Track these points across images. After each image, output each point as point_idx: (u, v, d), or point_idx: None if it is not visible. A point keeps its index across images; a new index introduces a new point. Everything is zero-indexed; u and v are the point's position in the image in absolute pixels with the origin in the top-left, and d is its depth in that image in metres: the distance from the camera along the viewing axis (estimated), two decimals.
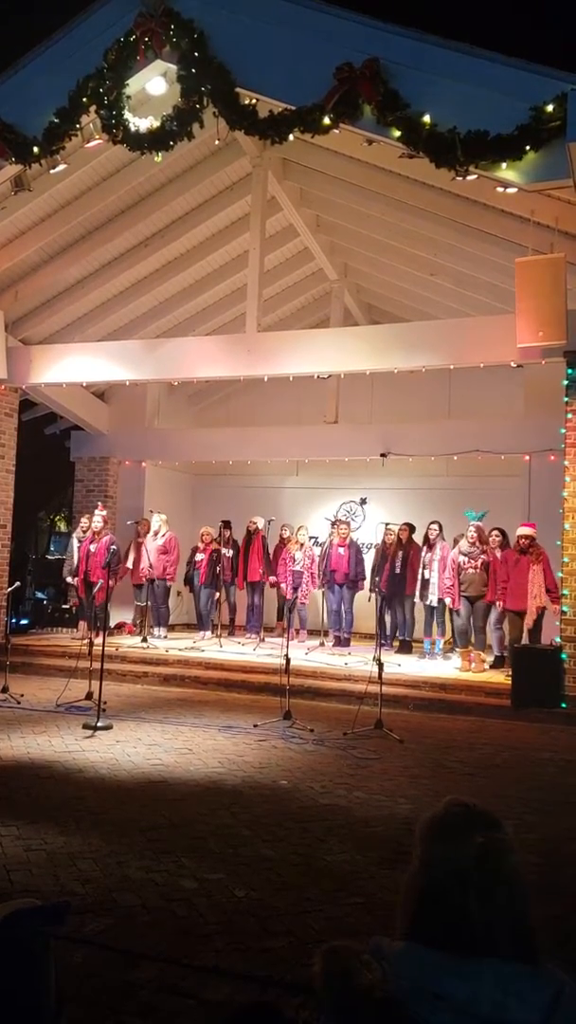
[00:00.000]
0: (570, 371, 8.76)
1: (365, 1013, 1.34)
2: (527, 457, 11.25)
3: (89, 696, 8.12)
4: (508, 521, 10.42)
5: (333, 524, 11.95)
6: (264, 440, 13.08)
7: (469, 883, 1.39)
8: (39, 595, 16.61)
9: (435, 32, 7.35)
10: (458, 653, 10.43)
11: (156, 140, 8.16)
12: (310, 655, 10.71)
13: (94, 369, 11.07)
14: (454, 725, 8.15)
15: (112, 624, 12.02)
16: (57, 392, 12.27)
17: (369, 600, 11.32)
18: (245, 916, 3.62)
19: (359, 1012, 1.35)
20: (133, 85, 8.33)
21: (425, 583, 10.95)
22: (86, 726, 7.25)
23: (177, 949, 3.30)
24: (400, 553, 11.46)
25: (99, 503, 12.45)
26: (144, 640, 11.38)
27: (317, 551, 12.16)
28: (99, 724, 7.23)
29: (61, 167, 8.81)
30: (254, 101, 7.87)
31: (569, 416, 8.78)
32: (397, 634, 11.77)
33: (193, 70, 7.92)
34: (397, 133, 7.23)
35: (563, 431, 8.87)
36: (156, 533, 12.00)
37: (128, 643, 11.36)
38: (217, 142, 8.80)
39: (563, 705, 8.42)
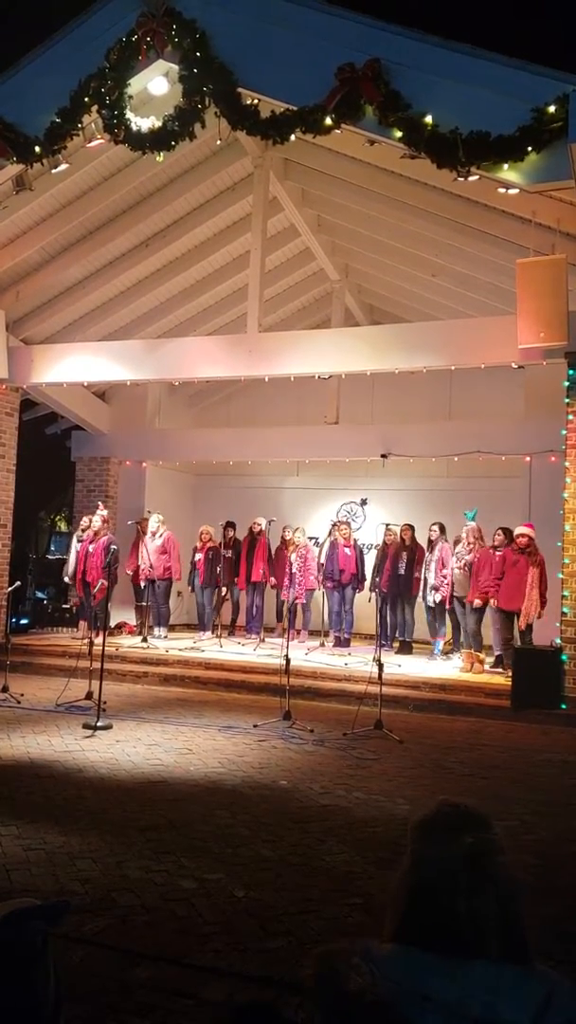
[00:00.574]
0: (571, 372, 8.76)
1: (356, 1016, 1.34)
2: (528, 458, 11.24)
3: (89, 696, 8.12)
4: (508, 522, 10.41)
5: (334, 525, 11.95)
6: (265, 440, 13.07)
7: (458, 884, 1.39)
8: (39, 595, 16.62)
9: (437, 33, 7.35)
10: (460, 654, 10.43)
11: (157, 140, 8.16)
12: (310, 655, 10.70)
13: (95, 369, 11.07)
14: (454, 726, 8.15)
15: (112, 624, 12.02)
16: (58, 392, 12.28)
17: (369, 600, 11.32)
18: (244, 916, 3.62)
19: (350, 1016, 1.35)
20: (135, 85, 8.33)
21: (425, 584, 10.96)
22: (86, 726, 7.25)
23: (176, 949, 3.30)
24: (404, 554, 11.46)
25: (100, 503, 12.45)
26: (144, 640, 11.38)
27: (316, 551, 12.14)
28: (99, 724, 7.23)
29: (62, 167, 8.81)
30: (256, 101, 7.87)
31: (570, 417, 8.78)
32: (397, 634, 11.77)
33: (195, 70, 7.93)
34: (399, 134, 7.23)
35: (564, 432, 8.87)
36: (154, 533, 12.00)
37: (128, 643, 11.36)
38: (218, 142, 8.80)
39: (563, 706, 8.42)
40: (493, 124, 6.94)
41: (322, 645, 11.66)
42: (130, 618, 12.89)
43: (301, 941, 3.38)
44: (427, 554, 11.04)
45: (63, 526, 24.26)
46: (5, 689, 8.60)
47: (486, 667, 10.14)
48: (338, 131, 7.59)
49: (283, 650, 8.16)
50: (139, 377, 11.14)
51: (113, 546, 9.88)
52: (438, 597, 10.76)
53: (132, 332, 12.41)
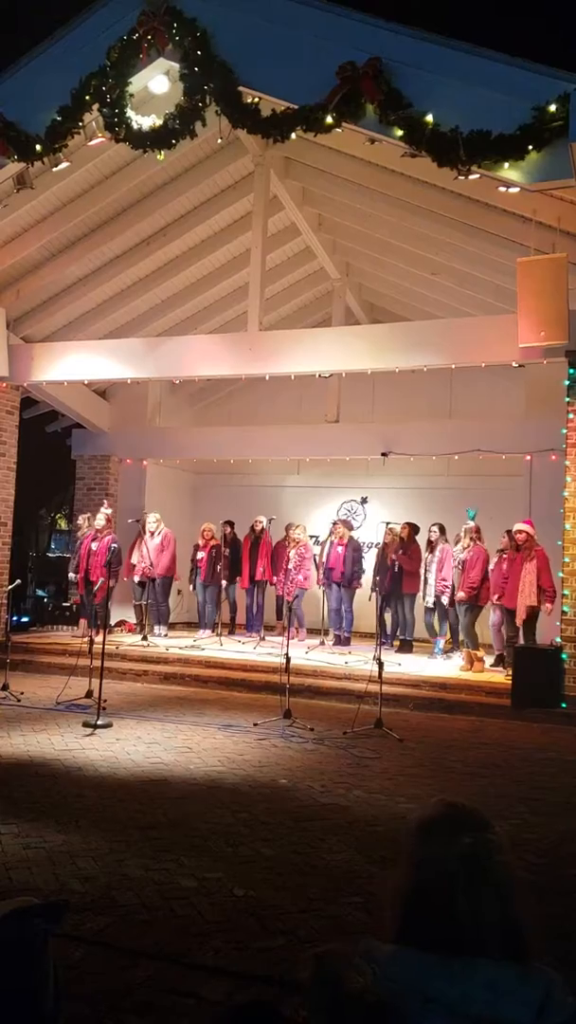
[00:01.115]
0: (572, 371, 8.75)
1: (356, 1018, 1.34)
2: (528, 457, 11.24)
3: (89, 694, 8.12)
4: (509, 521, 10.41)
5: (334, 524, 11.97)
6: (265, 439, 13.07)
7: (457, 884, 1.39)
8: (40, 593, 16.62)
9: (438, 31, 7.35)
10: (461, 653, 10.43)
11: (158, 138, 8.16)
12: (310, 654, 10.71)
13: (95, 367, 11.08)
14: (454, 725, 8.16)
15: (112, 622, 12.02)
16: (58, 390, 12.28)
17: (370, 599, 11.33)
18: (244, 915, 3.63)
19: (350, 1016, 1.35)
20: (136, 83, 8.32)
21: (426, 583, 10.96)
22: (86, 724, 7.25)
23: (176, 948, 3.30)
24: (401, 552, 11.46)
25: (105, 501, 12.45)
26: (144, 638, 11.39)
27: (316, 549, 12.14)
28: (99, 722, 7.23)
29: (63, 165, 8.81)
30: (256, 100, 7.86)
31: (570, 416, 8.78)
32: (398, 633, 11.77)
33: (196, 68, 7.92)
34: (399, 132, 7.23)
35: (564, 431, 8.87)
36: (153, 532, 12.00)
37: (128, 641, 11.37)
38: (219, 141, 8.79)
39: (563, 705, 8.42)
40: (494, 123, 6.94)
41: (322, 644, 11.67)
42: (130, 616, 12.90)
43: (301, 940, 3.38)
44: (427, 554, 11.04)
45: (63, 524, 24.27)
46: (5, 687, 8.61)
47: (487, 666, 10.15)
48: (339, 130, 7.58)
49: (283, 648, 8.17)
50: (140, 375, 11.15)
51: (114, 545, 9.88)
52: (443, 598, 10.73)
53: (133, 330, 12.41)
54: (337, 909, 3.72)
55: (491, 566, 10.21)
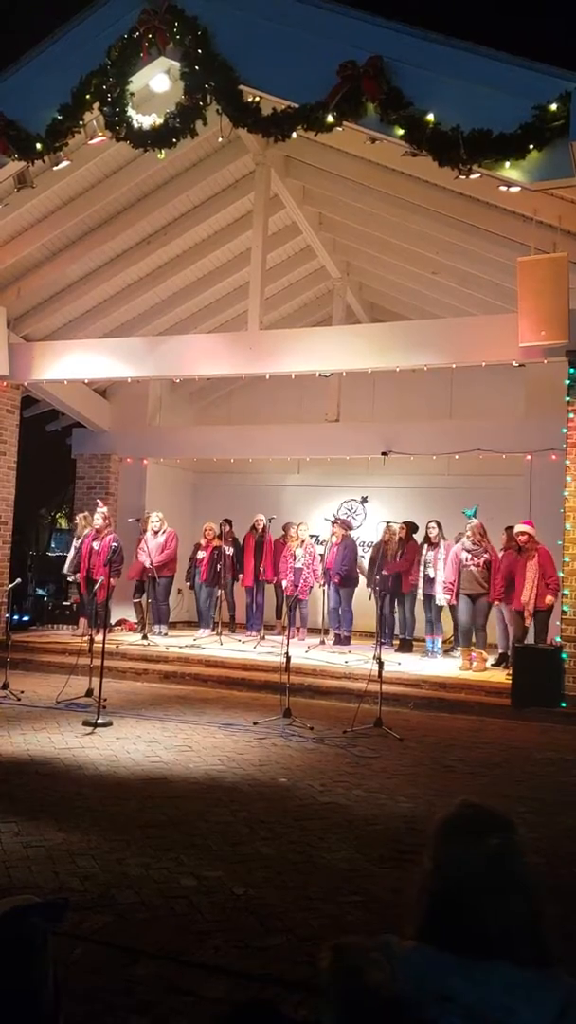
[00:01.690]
0: (572, 370, 8.75)
1: (372, 1011, 1.33)
2: (528, 456, 11.24)
3: (89, 693, 8.13)
4: (509, 521, 10.42)
5: (333, 523, 11.97)
6: (265, 438, 13.07)
7: (483, 886, 1.38)
8: (40, 592, 16.60)
9: (439, 30, 7.34)
10: (460, 652, 10.43)
11: (159, 137, 8.15)
12: (310, 653, 10.71)
13: (96, 366, 11.07)
14: (454, 724, 8.16)
15: (112, 621, 12.02)
16: (59, 389, 12.28)
17: (369, 599, 11.33)
18: (244, 914, 3.63)
19: (366, 1009, 1.34)
20: (136, 82, 8.31)
21: (430, 582, 10.93)
22: (86, 723, 7.25)
23: (175, 946, 3.30)
24: (400, 551, 11.46)
25: (99, 500, 12.44)
26: (144, 637, 11.39)
27: (320, 549, 12.15)
28: (99, 721, 7.24)
29: (64, 164, 8.80)
30: (257, 98, 7.85)
31: (571, 415, 8.78)
32: (397, 632, 11.77)
33: (196, 67, 7.91)
34: (400, 131, 7.22)
35: (565, 431, 8.87)
36: (156, 532, 11.99)
37: (128, 640, 11.37)
38: (220, 139, 8.77)
39: (563, 704, 8.42)
40: (495, 122, 6.93)
41: (322, 643, 11.67)
42: (131, 615, 12.89)
43: (300, 939, 3.39)
44: (428, 551, 11.02)
45: (64, 523, 24.26)
46: (5, 686, 8.61)
47: (488, 664, 10.14)
48: (339, 129, 7.58)
49: (283, 647, 8.17)
50: (140, 374, 11.14)
51: (116, 544, 9.88)
52: (446, 597, 10.68)
53: (133, 329, 12.41)
54: (337, 908, 3.72)
55: None
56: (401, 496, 13.18)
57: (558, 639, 8.82)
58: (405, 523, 11.62)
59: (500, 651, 10.43)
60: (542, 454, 10.84)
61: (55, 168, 8.87)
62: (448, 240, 10.07)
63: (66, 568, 12.37)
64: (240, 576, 12.54)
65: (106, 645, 8.08)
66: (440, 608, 11.00)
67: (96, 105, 8.30)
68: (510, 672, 8.98)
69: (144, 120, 8.19)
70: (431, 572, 10.91)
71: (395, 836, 4.64)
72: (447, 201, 9.16)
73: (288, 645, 8.19)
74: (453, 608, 10.79)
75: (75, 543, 12.03)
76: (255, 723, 7.58)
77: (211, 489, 14.70)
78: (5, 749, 6.41)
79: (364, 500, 12.32)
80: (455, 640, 11.01)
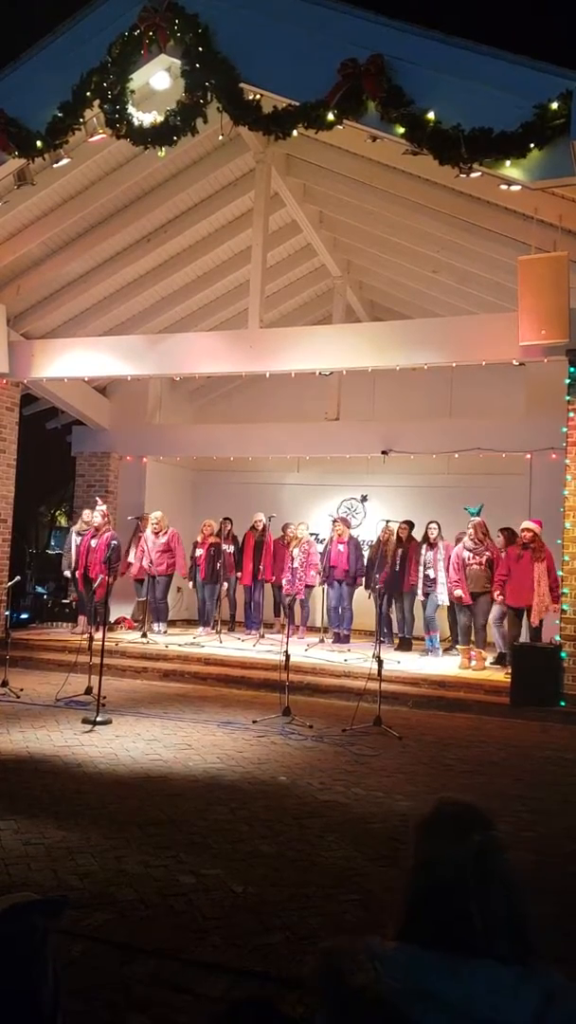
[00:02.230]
0: (572, 369, 8.75)
1: (358, 1013, 1.34)
2: (529, 455, 11.24)
3: (88, 691, 8.13)
4: (509, 520, 10.43)
5: (333, 521, 11.97)
6: (265, 436, 13.07)
7: (467, 883, 1.38)
8: (39, 590, 16.59)
9: (439, 29, 7.32)
10: (459, 650, 10.43)
11: (159, 135, 8.14)
12: (310, 652, 10.71)
13: (96, 364, 11.06)
14: (453, 722, 8.16)
15: (112, 619, 12.03)
16: (59, 387, 12.27)
17: (369, 597, 11.34)
18: (242, 912, 3.63)
19: (353, 1012, 1.35)
20: (137, 80, 8.30)
21: (432, 582, 10.93)
22: (85, 721, 7.26)
23: (174, 944, 3.30)
24: (400, 551, 11.46)
25: (98, 498, 12.44)
26: (144, 635, 11.39)
27: (320, 547, 12.15)
28: (98, 719, 7.24)
29: (64, 161, 8.78)
30: (258, 96, 7.84)
31: (571, 415, 8.78)
32: (396, 631, 11.77)
33: (197, 65, 7.90)
34: (401, 130, 7.21)
35: (564, 430, 8.87)
36: (156, 532, 11.99)
37: (128, 638, 11.37)
38: (220, 137, 8.75)
39: (562, 703, 8.42)
40: (495, 120, 6.92)
41: (321, 641, 11.68)
42: (129, 613, 12.89)
43: (299, 937, 3.39)
44: (428, 551, 11.02)
45: (63, 521, 24.25)
46: (5, 684, 8.61)
47: (487, 663, 10.14)
48: (340, 127, 7.56)
49: (283, 646, 8.17)
50: (140, 372, 11.14)
51: (114, 542, 9.88)
52: (448, 597, 10.68)
53: (133, 327, 12.41)
54: (335, 906, 3.72)
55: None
56: (401, 495, 13.18)
57: (557, 638, 8.82)
58: (406, 522, 11.62)
59: (499, 650, 10.43)
60: (542, 453, 10.84)
61: (55, 165, 8.86)
62: (448, 239, 10.06)
63: (63, 565, 12.38)
64: (238, 575, 12.54)
65: (105, 643, 8.08)
66: (437, 607, 11.00)
67: (96, 102, 8.28)
68: (509, 671, 8.99)
69: (144, 118, 8.18)
70: (430, 572, 10.92)
71: (394, 834, 4.64)
72: (448, 200, 9.15)
73: (287, 643, 8.19)
74: (451, 608, 10.81)
75: (75, 540, 12.00)
76: (254, 721, 7.58)
77: (211, 487, 14.70)
78: (4, 747, 6.42)
79: (364, 499, 12.31)
80: (453, 639, 11.02)
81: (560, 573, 8.83)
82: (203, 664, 10.21)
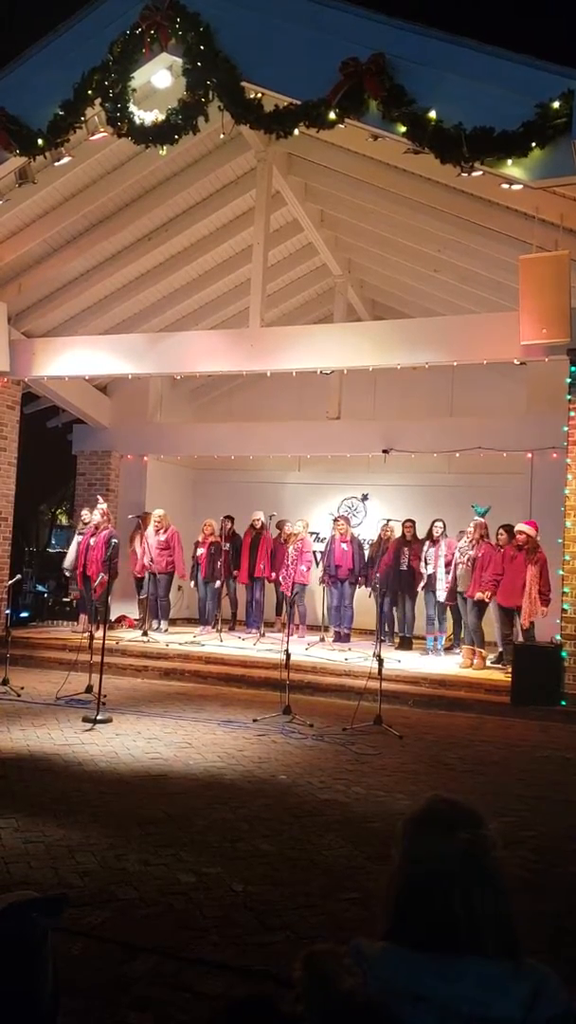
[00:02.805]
0: (573, 369, 8.75)
1: (347, 1017, 1.34)
2: (529, 455, 11.24)
3: (89, 689, 8.13)
4: (510, 519, 10.41)
5: (335, 520, 11.97)
6: (266, 435, 13.07)
7: (454, 881, 1.38)
8: (40, 588, 16.60)
9: (441, 28, 7.32)
10: (462, 649, 10.43)
11: (161, 133, 8.13)
12: (310, 650, 10.72)
13: (97, 363, 11.06)
14: (453, 722, 8.16)
15: (112, 618, 12.03)
16: (59, 385, 12.27)
17: (370, 596, 11.33)
18: (242, 910, 3.63)
19: (341, 1016, 1.34)
20: (138, 78, 8.29)
21: (431, 579, 10.94)
22: (86, 719, 7.26)
23: (174, 942, 3.31)
24: (405, 549, 11.46)
25: (99, 497, 12.44)
26: (144, 634, 11.40)
27: (320, 546, 12.14)
28: (99, 717, 7.24)
29: (65, 160, 8.78)
30: (259, 95, 7.84)
31: (572, 414, 8.78)
32: (397, 630, 11.77)
33: (198, 63, 7.89)
34: (402, 129, 7.20)
35: (565, 429, 8.87)
36: (157, 530, 11.99)
37: (128, 637, 11.38)
38: (222, 136, 8.76)
39: (563, 703, 8.43)
40: (497, 120, 6.92)
41: (322, 640, 11.68)
42: (131, 612, 12.90)
43: (299, 936, 3.39)
44: (430, 548, 11.03)
45: (64, 520, 24.27)
46: (5, 682, 8.61)
47: (488, 662, 10.15)
48: (342, 126, 7.56)
49: (283, 645, 8.17)
50: (141, 371, 11.14)
51: (114, 540, 9.88)
52: (444, 594, 10.71)
53: (134, 326, 12.41)
54: (335, 905, 3.72)
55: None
56: (402, 494, 13.18)
57: (558, 637, 8.82)
58: (409, 521, 11.63)
59: (499, 649, 10.43)
60: (543, 452, 10.84)
61: (56, 164, 8.86)
62: (450, 238, 10.05)
63: (65, 564, 12.38)
64: (235, 573, 12.53)
65: (106, 642, 8.08)
66: (436, 606, 11.00)
67: (98, 101, 8.28)
68: (510, 670, 8.99)
69: (146, 116, 8.17)
70: (432, 570, 10.92)
71: (394, 833, 4.63)
72: (449, 199, 9.14)
73: (288, 642, 8.19)
74: (454, 607, 10.82)
75: (76, 538, 12.03)
76: (255, 720, 7.59)
77: (211, 486, 14.70)
78: (5, 745, 6.42)
79: (365, 498, 12.30)
80: (455, 638, 11.02)
81: (560, 572, 8.83)
82: (203, 663, 10.22)
